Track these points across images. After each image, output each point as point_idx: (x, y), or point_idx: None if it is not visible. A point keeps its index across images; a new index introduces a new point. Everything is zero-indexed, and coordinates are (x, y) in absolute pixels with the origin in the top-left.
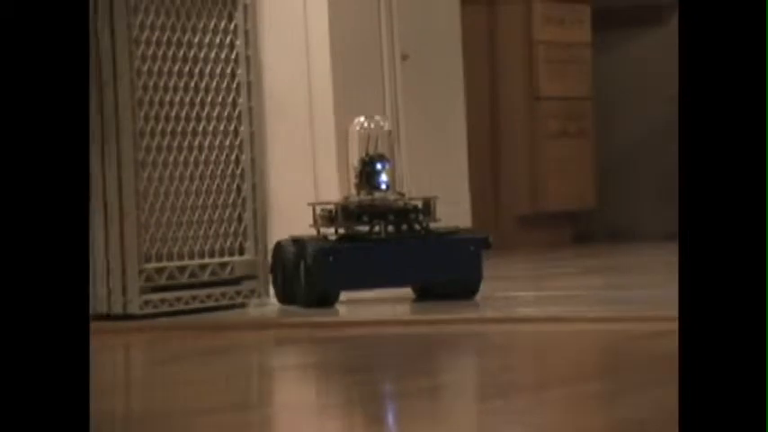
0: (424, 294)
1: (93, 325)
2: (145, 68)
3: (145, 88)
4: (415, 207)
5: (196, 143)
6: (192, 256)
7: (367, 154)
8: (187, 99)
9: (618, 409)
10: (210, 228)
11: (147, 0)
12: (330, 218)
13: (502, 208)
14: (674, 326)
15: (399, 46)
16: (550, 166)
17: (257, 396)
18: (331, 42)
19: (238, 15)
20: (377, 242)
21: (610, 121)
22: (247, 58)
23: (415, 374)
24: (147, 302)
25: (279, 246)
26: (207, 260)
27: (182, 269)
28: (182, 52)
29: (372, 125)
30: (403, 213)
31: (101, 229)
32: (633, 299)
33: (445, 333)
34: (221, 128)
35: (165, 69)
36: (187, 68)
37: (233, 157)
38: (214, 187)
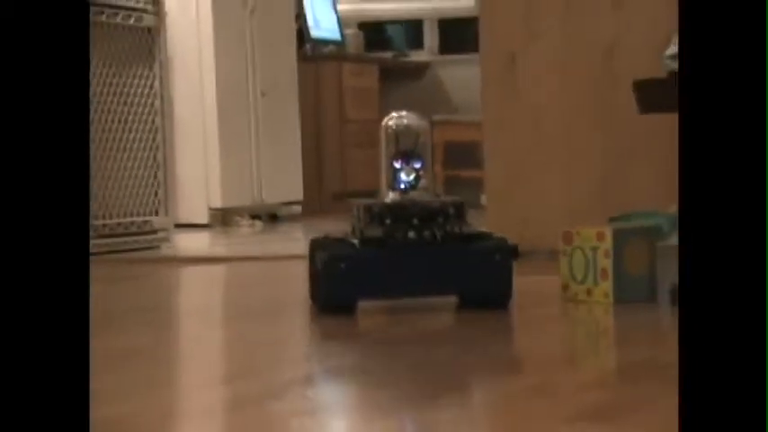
0: (463, 303)
1: None
2: (98, 99)
3: (98, 110)
4: (445, 210)
5: (127, 146)
6: (124, 216)
7: (398, 152)
8: (123, 118)
9: None
10: (137, 199)
11: (96, 57)
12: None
13: (323, 189)
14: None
15: (260, 85)
16: (351, 164)
17: (162, 301)
18: (216, 83)
19: (156, 66)
20: (397, 248)
21: None
22: (162, 95)
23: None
24: (94, 245)
25: (312, 244)
26: (133, 218)
27: (118, 224)
28: (119, 89)
29: (403, 122)
30: (430, 217)
31: None
32: None
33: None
34: (143, 137)
35: (110, 100)
36: (122, 100)
37: (151, 155)
38: (139, 173)
